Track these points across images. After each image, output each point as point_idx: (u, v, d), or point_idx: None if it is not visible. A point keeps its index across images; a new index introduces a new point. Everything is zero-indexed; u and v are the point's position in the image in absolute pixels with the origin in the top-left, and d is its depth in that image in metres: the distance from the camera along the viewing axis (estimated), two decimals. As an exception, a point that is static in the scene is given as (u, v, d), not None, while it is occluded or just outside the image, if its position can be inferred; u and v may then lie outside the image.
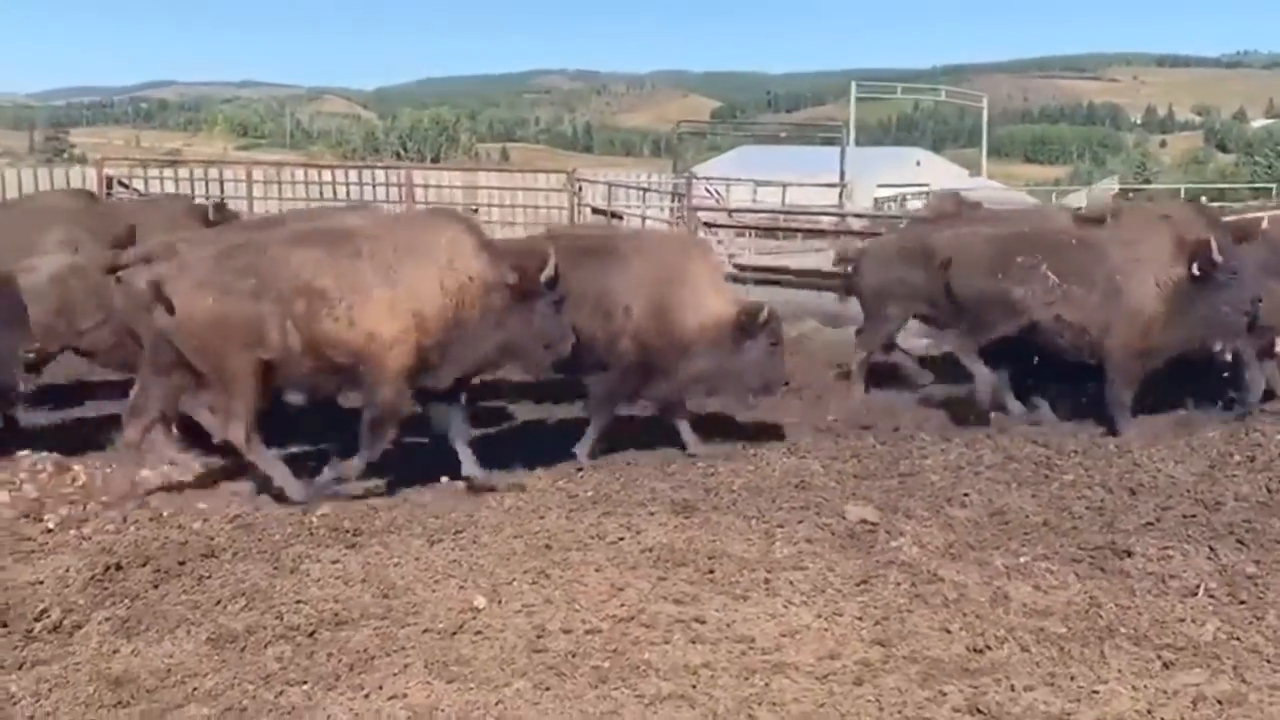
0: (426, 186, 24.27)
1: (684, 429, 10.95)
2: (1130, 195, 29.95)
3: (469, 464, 9.64)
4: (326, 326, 9.01)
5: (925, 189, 31.39)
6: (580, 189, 22.72)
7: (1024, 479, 9.71)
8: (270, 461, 9.22)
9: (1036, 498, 9.23)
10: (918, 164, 63.40)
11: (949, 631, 6.67)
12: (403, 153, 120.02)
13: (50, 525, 8.19)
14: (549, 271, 9.67)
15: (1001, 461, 10.17)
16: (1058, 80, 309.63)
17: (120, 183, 23.12)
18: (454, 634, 6.53)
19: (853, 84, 27.13)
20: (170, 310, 8.83)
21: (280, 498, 9.00)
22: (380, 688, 5.90)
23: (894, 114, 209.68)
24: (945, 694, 5.91)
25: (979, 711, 5.74)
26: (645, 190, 24.93)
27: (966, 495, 9.27)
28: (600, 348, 10.59)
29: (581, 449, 10.60)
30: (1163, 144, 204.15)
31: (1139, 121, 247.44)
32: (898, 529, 8.40)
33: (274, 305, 8.94)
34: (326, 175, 25.56)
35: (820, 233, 20.29)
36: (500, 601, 6.96)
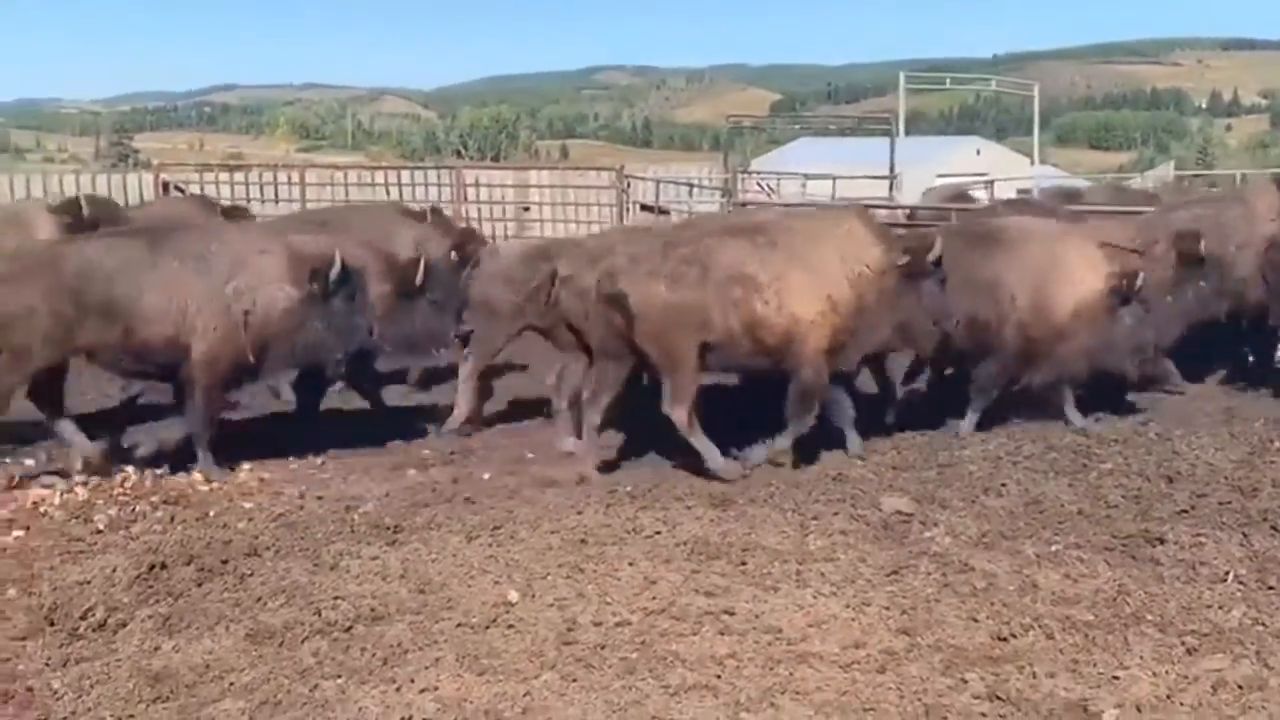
0: (478, 185, 24.46)
1: (1068, 407, 11.34)
2: (1188, 180, 29.67)
3: (855, 444, 10.51)
4: (759, 310, 9.87)
5: (985, 178, 31.18)
6: (629, 185, 22.81)
7: (1062, 468, 9.73)
8: (702, 440, 10.00)
9: (1073, 487, 9.26)
10: (977, 153, 63.06)
11: (976, 620, 6.74)
12: (463, 151, 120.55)
13: (100, 526, 8.40)
14: (935, 253, 10.40)
15: (1041, 451, 10.19)
16: (1120, 66, 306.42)
17: (177, 188, 23.45)
18: (486, 628, 6.67)
19: (901, 75, 27.07)
20: (624, 299, 9.79)
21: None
22: (412, 680, 6.03)
23: (955, 104, 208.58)
24: (966, 681, 5.98)
25: (998, 698, 5.81)
26: (692, 186, 25.00)
27: (1004, 485, 9.32)
28: (986, 334, 11.16)
29: (965, 426, 11.11)
30: (1228, 128, 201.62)
31: (1204, 106, 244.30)
32: (932, 519, 8.48)
33: (715, 292, 9.81)
34: (379, 176, 25.81)
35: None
36: (533, 596, 7.09)
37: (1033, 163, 47.16)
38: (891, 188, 24.74)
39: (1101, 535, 8.10)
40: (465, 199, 23.40)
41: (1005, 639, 6.50)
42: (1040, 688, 5.92)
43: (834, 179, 26.19)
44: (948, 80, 28.55)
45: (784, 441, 10.13)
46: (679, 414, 9.90)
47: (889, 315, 10.38)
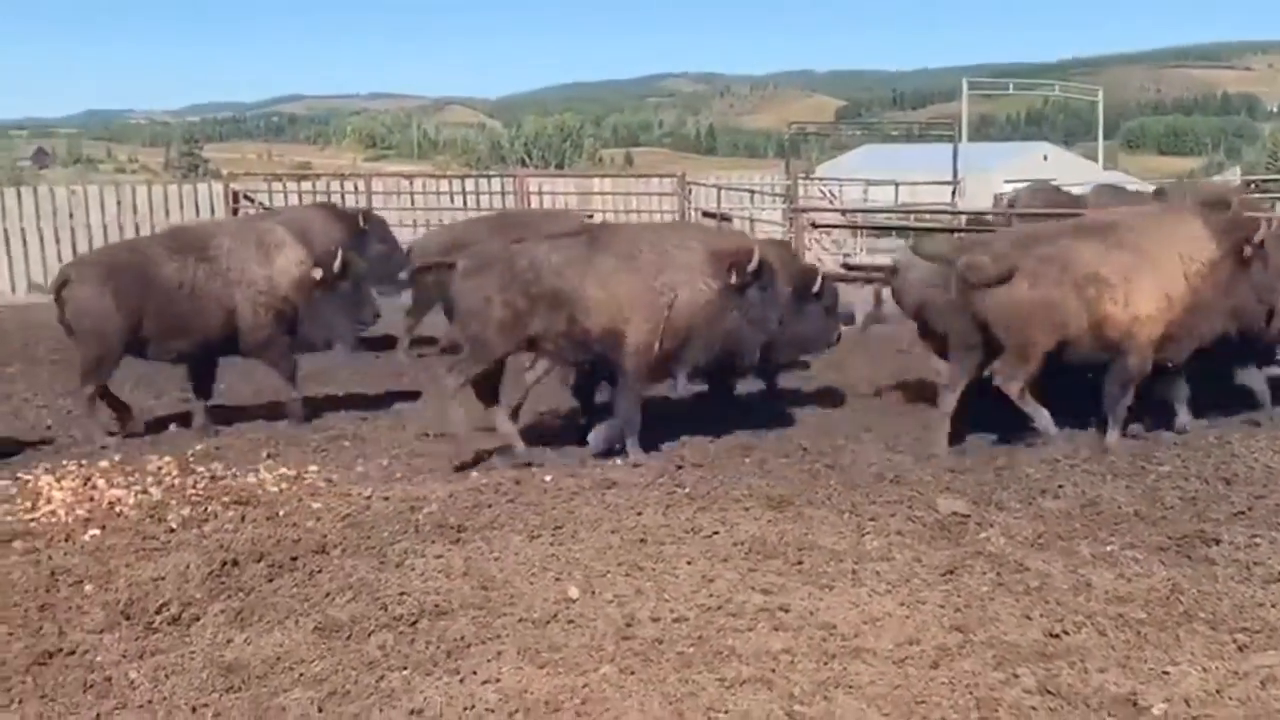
0: (540, 194, 24.72)
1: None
2: (1254, 186, 29.40)
3: (1183, 415, 11.05)
4: (1108, 309, 10.42)
5: (1054, 182, 31.05)
6: (690, 192, 22.97)
7: (1120, 471, 9.79)
8: (1035, 407, 10.63)
9: (1130, 489, 9.32)
10: (1044, 159, 62.69)
11: (1029, 618, 6.85)
12: (527, 160, 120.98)
13: (173, 525, 8.60)
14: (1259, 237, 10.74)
15: (1099, 454, 10.25)
16: (1192, 70, 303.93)
17: (246, 197, 23.85)
18: (547, 623, 6.84)
19: (964, 81, 27.06)
20: (986, 294, 10.46)
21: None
22: (474, 672, 6.21)
23: (1022, 109, 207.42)
24: (1018, 676, 6.09)
25: (1048, 692, 5.92)
26: (753, 192, 25.14)
27: (1061, 487, 9.40)
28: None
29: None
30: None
31: (1276, 110, 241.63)
32: (988, 520, 8.58)
33: (1073, 291, 10.37)
34: (444, 185, 26.13)
35: (932, 231, 20.32)
36: (593, 592, 7.26)
37: (1110, 168, 46.90)
38: (954, 194, 24.71)
39: (1157, 536, 8.17)
40: (528, 207, 23.65)
41: (1058, 636, 6.60)
42: (1090, 682, 6.02)
43: (896, 185, 26.23)
44: (1011, 86, 28.38)
45: (1113, 435, 10.66)
46: (1013, 387, 10.48)
47: (1222, 308, 10.72)
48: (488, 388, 10.62)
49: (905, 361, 14.22)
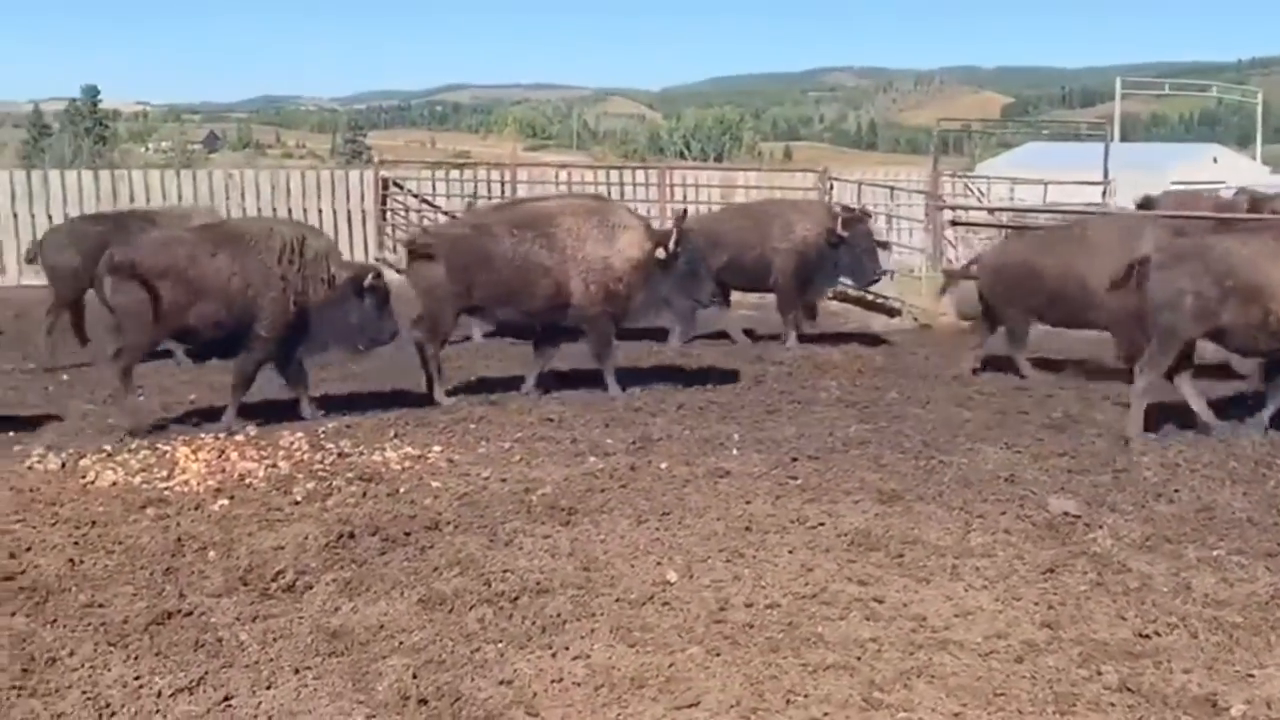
0: (684, 186, 24.89)
1: None
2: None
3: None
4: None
5: (1222, 186, 30.31)
6: (832, 187, 22.94)
7: (1240, 476, 9.71)
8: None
9: (1248, 495, 9.25)
10: (1214, 160, 61.10)
11: (1122, 618, 6.88)
12: (686, 152, 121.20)
13: (298, 498, 8.93)
14: None
15: (1221, 459, 10.15)
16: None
17: (395, 184, 24.37)
18: (643, 604, 7.02)
19: (1118, 80, 26.66)
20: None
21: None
22: (566, 648, 6.42)
23: (1196, 109, 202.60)
24: (1101, 673, 6.15)
25: (1128, 690, 5.96)
26: (893, 189, 25.02)
27: (1177, 491, 9.35)
28: None
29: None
30: None
31: None
32: (1098, 522, 8.58)
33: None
34: (589, 175, 26.43)
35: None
36: (691, 576, 7.43)
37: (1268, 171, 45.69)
38: (1104, 194, 24.33)
39: (1267, 542, 8.13)
40: (671, 198, 23.84)
41: (1148, 636, 6.63)
42: (1173, 682, 6.05)
43: (1045, 184, 25.90)
44: (1166, 86, 27.83)
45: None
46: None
47: None
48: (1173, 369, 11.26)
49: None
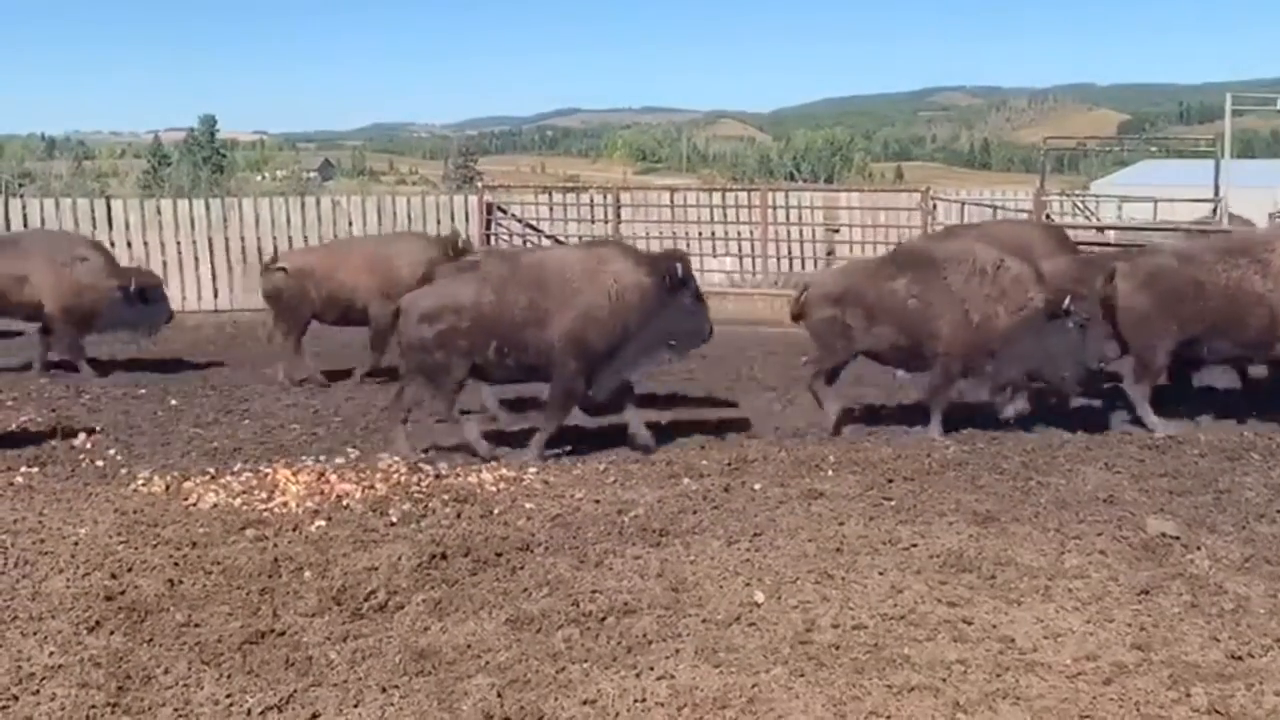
0: (786, 208, 24.87)
1: None
2: None
3: None
4: None
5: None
6: (935, 208, 22.80)
7: (1347, 498, 9.52)
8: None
9: (1354, 517, 9.07)
10: (1333, 178, 59.83)
11: (1216, 640, 6.79)
12: (796, 174, 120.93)
13: (393, 519, 9.04)
14: None
15: (1328, 480, 9.96)
16: None
17: (500, 208, 24.58)
18: (729, 625, 7.03)
19: (1228, 96, 26.24)
20: None
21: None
22: (651, 668, 6.44)
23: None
24: (1190, 695, 6.07)
25: (1217, 712, 5.89)
26: (995, 208, 24.80)
27: (1279, 512, 9.19)
28: None
29: None
30: None
31: None
32: (1196, 543, 8.46)
33: None
34: (691, 198, 26.48)
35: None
36: (779, 598, 7.43)
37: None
38: (1215, 211, 23.95)
39: (1370, 564, 7.96)
40: (773, 221, 23.83)
41: (1240, 658, 6.53)
42: (1264, 704, 5.96)
43: (1155, 201, 25.56)
44: (1278, 102, 27.33)
45: None
46: None
47: None
48: None
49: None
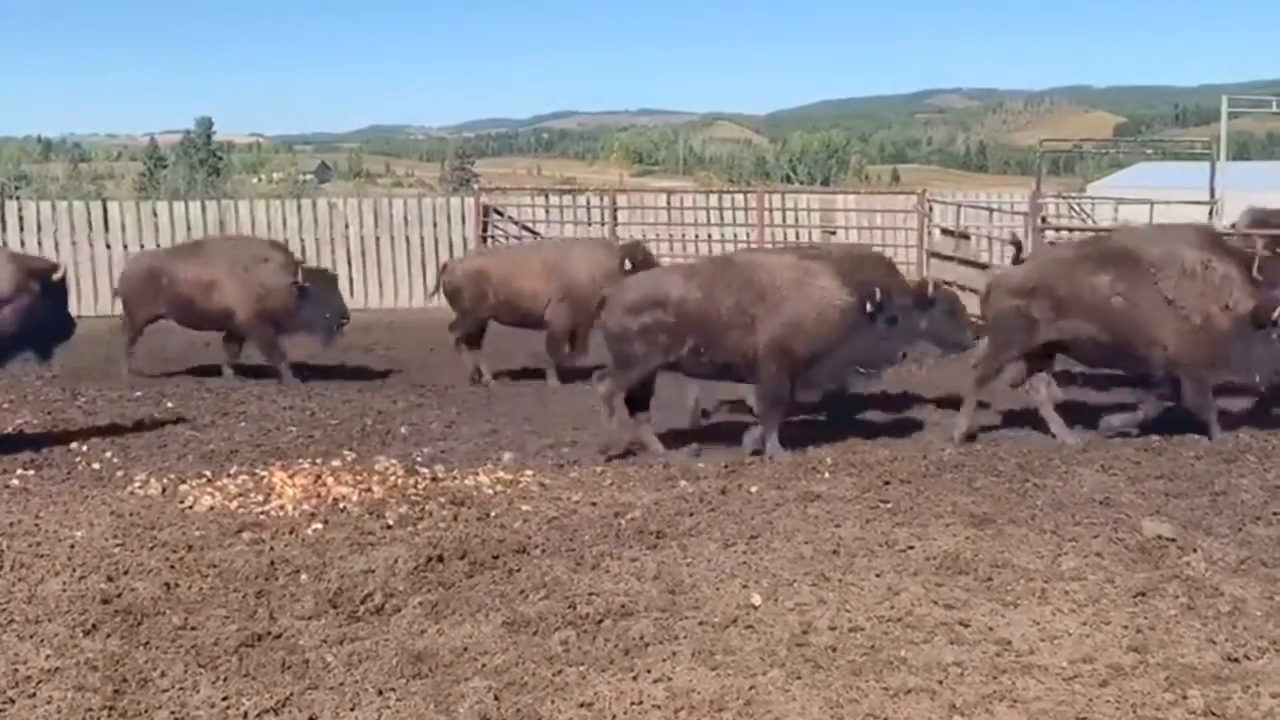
0: (783, 210, 24.87)
1: None
2: None
3: None
4: None
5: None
6: (931, 210, 22.81)
7: (1344, 499, 9.53)
8: None
9: (1351, 519, 9.07)
10: (1330, 179, 59.78)
11: (1213, 642, 6.78)
12: (792, 176, 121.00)
13: (390, 522, 9.02)
14: None
15: (1324, 481, 9.97)
16: None
17: (496, 211, 24.61)
18: (726, 627, 7.02)
19: (1224, 98, 26.24)
20: None
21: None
22: (648, 671, 6.44)
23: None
24: (1187, 697, 6.07)
25: (1214, 714, 5.89)
26: (992, 210, 24.82)
27: (1275, 514, 9.22)
28: None
29: None
30: None
31: None
32: (1192, 545, 8.45)
33: None
34: (688, 200, 26.51)
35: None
36: (776, 600, 7.42)
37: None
38: (1211, 214, 23.92)
39: (1367, 566, 7.96)
40: (770, 223, 23.84)
41: (1237, 660, 6.53)
42: (1260, 706, 5.96)
43: (1151, 204, 25.49)
44: (1275, 103, 27.27)
45: None
46: None
47: None
48: None
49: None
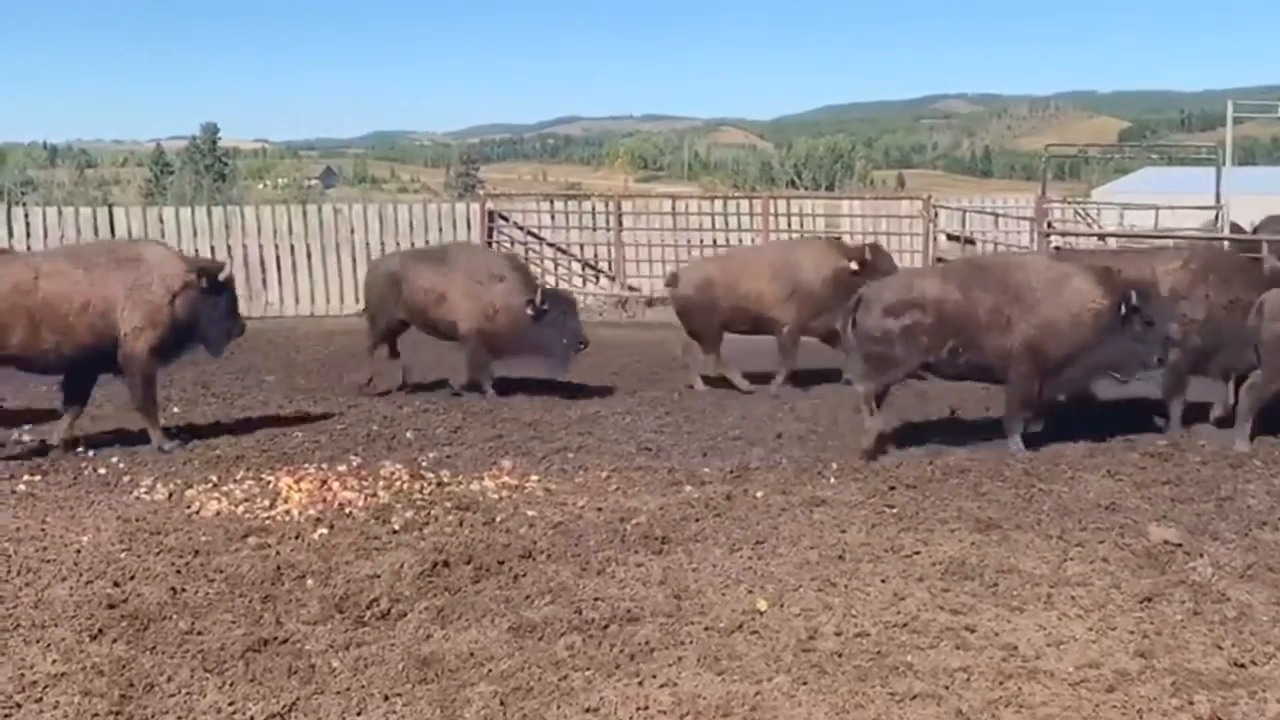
0: (789, 215, 24.87)
1: None
2: None
3: None
4: None
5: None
6: (936, 215, 22.81)
7: (1350, 505, 9.52)
8: None
9: (1357, 524, 9.07)
10: (1335, 184, 59.71)
11: (1219, 647, 6.78)
12: (797, 181, 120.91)
13: (395, 527, 9.04)
14: None
15: (1331, 486, 9.97)
16: None
17: (501, 216, 24.65)
18: (732, 632, 7.02)
19: (1229, 103, 26.28)
20: None
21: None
22: (654, 676, 6.43)
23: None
24: (1193, 703, 6.07)
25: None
26: (997, 215, 24.84)
27: (1281, 519, 9.21)
28: None
29: None
30: None
31: None
32: (1198, 550, 8.46)
33: None
34: (693, 206, 26.52)
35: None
36: (782, 605, 7.42)
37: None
38: (1217, 219, 23.96)
39: (1372, 571, 7.96)
40: (775, 229, 23.84)
41: (1244, 665, 6.53)
42: (1267, 712, 5.97)
43: (1156, 209, 25.54)
44: (1279, 108, 27.32)
45: None
46: None
47: None
48: None
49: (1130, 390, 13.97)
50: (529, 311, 14.62)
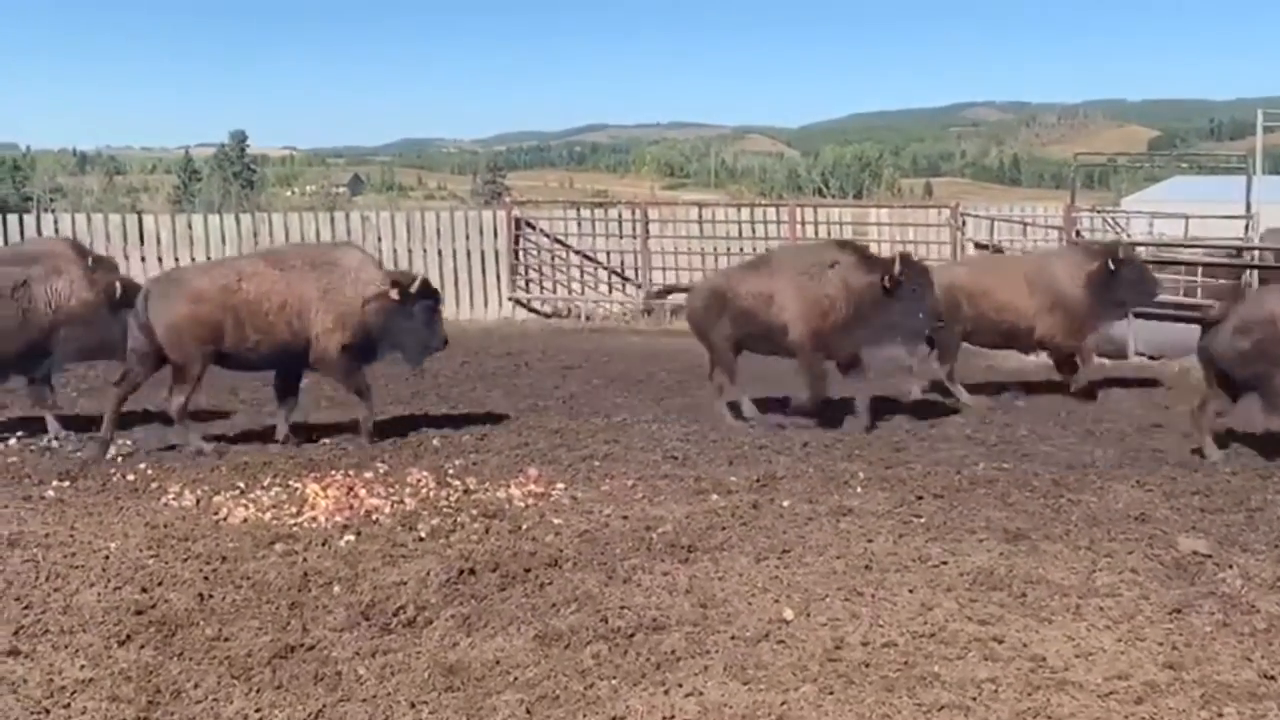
0: (815, 223, 24.83)
1: None
2: None
3: None
4: None
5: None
6: (964, 223, 22.76)
7: (1380, 516, 9.45)
8: None
9: (1388, 535, 9.00)
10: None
11: (1249, 659, 6.74)
12: (824, 190, 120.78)
13: (422, 534, 9.04)
14: None
15: (1362, 498, 9.90)
16: None
17: (527, 223, 24.69)
18: (758, 642, 7.01)
19: (1259, 112, 26.18)
20: None
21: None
22: (680, 685, 6.43)
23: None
24: (1223, 715, 6.05)
25: (1249, 733, 5.84)
26: (1026, 224, 24.77)
27: (1313, 531, 9.15)
28: None
29: None
30: None
31: None
32: (1228, 561, 8.40)
33: None
34: (720, 213, 26.52)
35: (1219, 265, 19.73)
36: (808, 615, 7.40)
37: None
38: (1247, 228, 23.84)
39: (1404, 584, 7.90)
40: (802, 237, 23.79)
41: (1273, 678, 6.48)
42: (1296, 725, 5.91)
43: (1186, 218, 25.42)
44: (1312, 118, 27.32)
45: None
46: None
47: None
48: None
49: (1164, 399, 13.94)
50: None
